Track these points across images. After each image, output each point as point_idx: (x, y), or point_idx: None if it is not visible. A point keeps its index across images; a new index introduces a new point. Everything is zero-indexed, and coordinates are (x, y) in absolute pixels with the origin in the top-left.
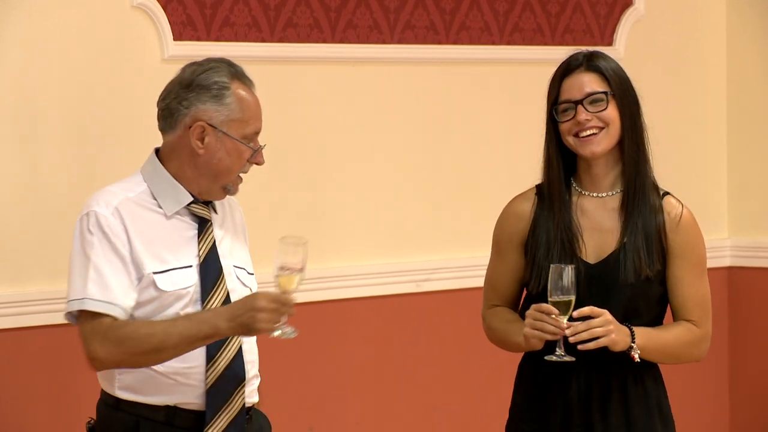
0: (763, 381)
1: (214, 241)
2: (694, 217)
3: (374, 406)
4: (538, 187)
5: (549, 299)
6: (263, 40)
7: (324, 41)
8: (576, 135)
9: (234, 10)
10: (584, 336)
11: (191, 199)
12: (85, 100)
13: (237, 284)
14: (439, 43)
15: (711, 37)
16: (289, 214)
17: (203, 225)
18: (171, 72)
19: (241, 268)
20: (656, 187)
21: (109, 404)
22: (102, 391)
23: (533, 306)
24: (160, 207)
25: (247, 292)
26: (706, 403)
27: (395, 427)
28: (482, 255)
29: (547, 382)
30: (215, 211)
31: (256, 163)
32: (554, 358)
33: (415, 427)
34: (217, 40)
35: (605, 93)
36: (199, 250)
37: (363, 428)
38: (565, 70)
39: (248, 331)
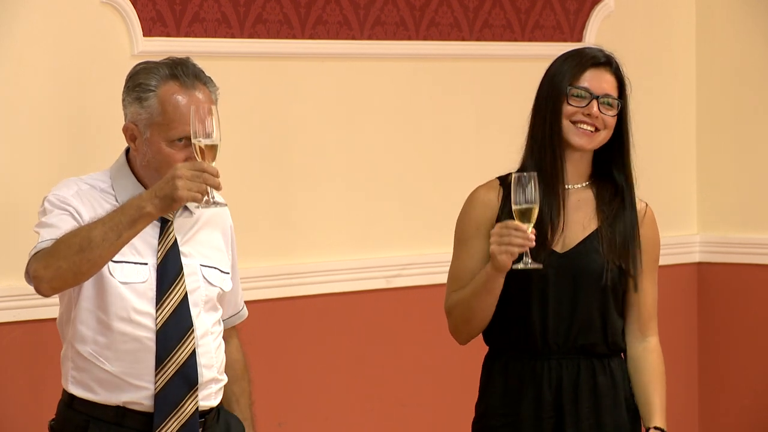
0: (732, 376)
1: (175, 240)
2: (654, 215)
3: (344, 402)
4: (500, 178)
5: (513, 207)
6: (233, 36)
7: (294, 37)
8: (574, 123)
9: (203, 5)
10: (517, 243)
11: (139, 189)
12: (54, 95)
13: (201, 282)
14: (409, 39)
15: (680, 33)
16: (260, 210)
17: (165, 225)
18: None
19: (212, 267)
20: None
21: (65, 402)
22: (62, 389)
23: (497, 225)
24: (118, 200)
25: (213, 291)
26: (675, 398)
27: (364, 423)
28: (451, 251)
29: (518, 376)
30: (190, 211)
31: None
32: (521, 266)
33: (383, 422)
34: (187, 35)
35: (618, 101)
36: (158, 250)
37: (332, 424)
38: (591, 61)
39: (171, 201)
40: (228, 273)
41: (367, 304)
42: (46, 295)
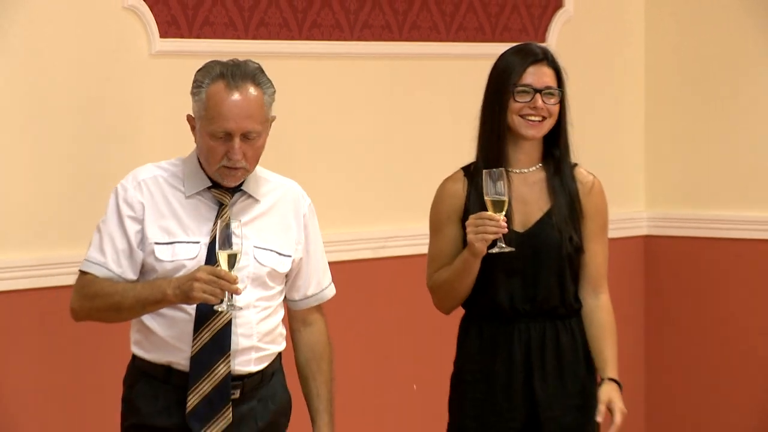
0: (678, 342)
1: (228, 224)
2: (601, 185)
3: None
4: (464, 169)
5: (486, 198)
6: (238, 38)
7: (292, 38)
8: (522, 116)
9: (213, 11)
10: (491, 230)
11: (210, 183)
12: (82, 89)
13: (251, 261)
14: (393, 40)
15: (631, 29)
16: None
17: (221, 209)
18: (158, 65)
19: (267, 249)
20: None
21: (131, 360)
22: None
23: (472, 216)
24: (183, 186)
25: (263, 270)
26: (624, 359)
27: (353, 379)
28: (418, 229)
29: (491, 337)
30: (256, 199)
31: (231, 161)
32: (496, 250)
33: (371, 377)
34: (198, 37)
35: (559, 90)
36: (211, 230)
37: None
38: (532, 58)
39: (186, 298)
40: (288, 256)
41: (357, 272)
42: (76, 321)
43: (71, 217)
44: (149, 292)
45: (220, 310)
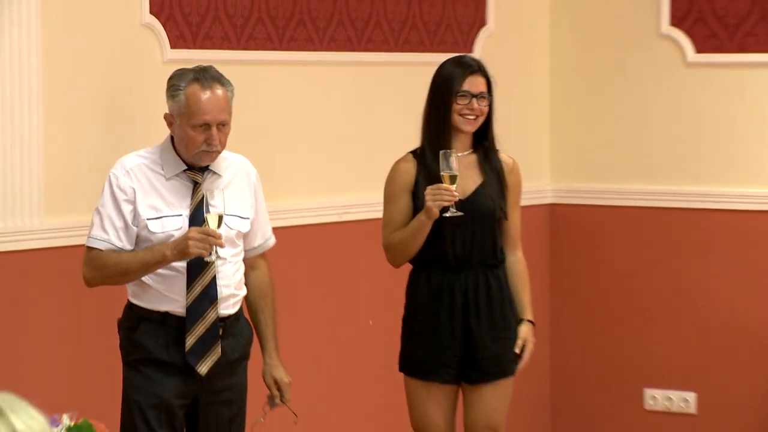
0: (577, 291)
1: (203, 197)
2: (519, 165)
3: (304, 301)
4: (412, 152)
5: (442, 173)
6: (232, 48)
7: (274, 49)
8: (461, 115)
9: (212, 27)
10: (446, 198)
11: (185, 167)
12: (109, 89)
13: (223, 227)
14: (354, 50)
15: (539, 42)
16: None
17: (196, 186)
18: (169, 71)
19: (232, 215)
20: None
21: (127, 306)
22: (127, 299)
23: (430, 187)
24: (162, 170)
25: (231, 233)
26: (532, 307)
27: (321, 324)
28: (373, 198)
29: (437, 284)
30: (219, 175)
31: (211, 146)
32: (449, 213)
33: (334, 320)
34: (200, 48)
35: (489, 95)
36: (190, 204)
37: (299, 326)
38: (469, 70)
39: (183, 254)
40: (248, 218)
41: (325, 233)
42: (90, 288)
43: (99, 190)
44: (151, 256)
45: (210, 260)
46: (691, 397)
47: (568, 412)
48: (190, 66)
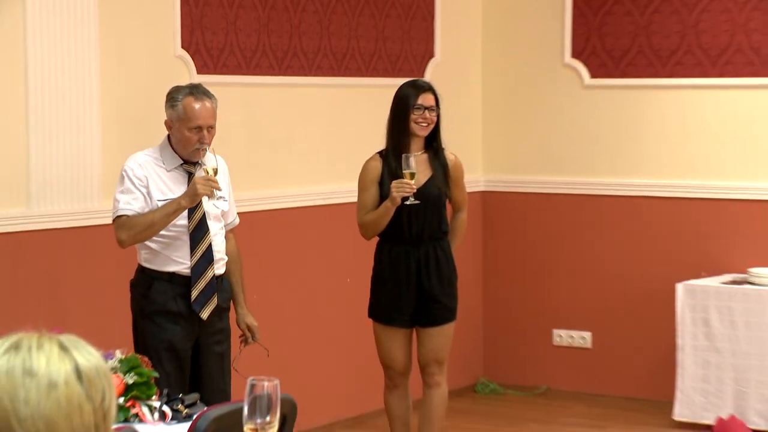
0: (505, 261)
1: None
2: (460, 160)
3: (294, 276)
4: (379, 153)
5: (404, 171)
6: (243, 74)
7: (274, 74)
8: (417, 123)
9: (228, 58)
10: (406, 191)
11: (181, 161)
12: (149, 103)
13: (211, 207)
14: (334, 75)
15: (472, 63)
16: (250, 165)
17: (190, 176)
18: None
19: (219, 197)
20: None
21: (139, 270)
22: (138, 263)
23: (394, 181)
24: (164, 164)
25: (217, 211)
26: (468, 270)
27: (311, 281)
28: (350, 187)
29: (397, 253)
30: (205, 170)
31: (203, 144)
32: (408, 202)
33: (321, 277)
34: (219, 73)
35: (437, 108)
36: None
37: (289, 295)
38: (422, 89)
39: (194, 197)
40: (226, 200)
41: (314, 213)
42: (123, 248)
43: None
44: (169, 207)
45: (212, 200)
46: (587, 335)
47: (496, 347)
48: (212, 87)
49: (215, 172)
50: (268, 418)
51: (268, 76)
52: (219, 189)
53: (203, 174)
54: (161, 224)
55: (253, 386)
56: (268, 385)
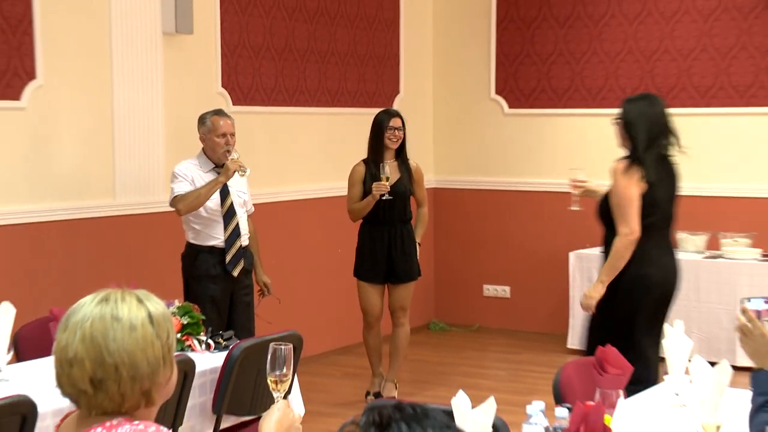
0: (452, 237)
1: (226, 183)
2: (419, 166)
3: (300, 249)
4: (363, 160)
5: (381, 175)
6: (265, 105)
7: (287, 105)
8: (389, 139)
9: (254, 94)
10: (383, 189)
11: (213, 165)
12: (194, 126)
13: (236, 198)
14: (330, 106)
15: (425, 104)
16: (270, 169)
17: (219, 175)
18: (235, 118)
19: (241, 191)
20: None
21: (187, 245)
22: (186, 240)
23: (375, 183)
24: (201, 168)
25: (242, 201)
26: (421, 249)
27: (310, 255)
28: (341, 184)
29: (375, 233)
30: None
31: (229, 146)
32: (384, 197)
33: (317, 250)
34: (248, 105)
35: (403, 128)
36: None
37: (285, 276)
38: (392, 115)
39: (228, 172)
40: (247, 194)
41: (313, 204)
42: (181, 216)
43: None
44: (211, 182)
45: (242, 174)
46: (507, 288)
47: (444, 297)
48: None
49: (240, 161)
50: (284, 370)
51: (283, 107)
52: (245, 168)
53: (235, 155)
54: (206, 196)
55: (274, 350)
56: (285, 349)
